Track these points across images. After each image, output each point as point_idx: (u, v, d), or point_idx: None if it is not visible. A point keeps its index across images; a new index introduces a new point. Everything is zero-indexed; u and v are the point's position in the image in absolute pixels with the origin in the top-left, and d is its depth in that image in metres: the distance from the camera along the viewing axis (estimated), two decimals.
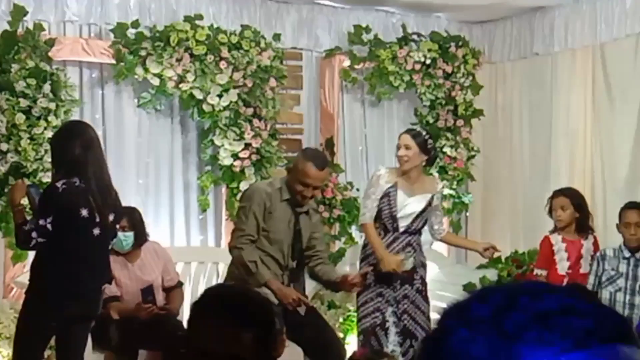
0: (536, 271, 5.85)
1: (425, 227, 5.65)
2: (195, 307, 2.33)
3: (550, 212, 5.74)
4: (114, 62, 6.32)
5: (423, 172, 5.63)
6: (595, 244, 5.75)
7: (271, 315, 2.21)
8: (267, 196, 4.93)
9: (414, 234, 5.53)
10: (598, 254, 5.61)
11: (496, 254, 5.82)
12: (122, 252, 5.45)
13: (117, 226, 4.90)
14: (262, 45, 6.69)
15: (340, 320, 6.40)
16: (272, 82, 6.73)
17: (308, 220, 5.07)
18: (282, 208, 4.95)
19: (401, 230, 5.49)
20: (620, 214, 5.59)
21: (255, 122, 6.61)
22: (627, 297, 5.46)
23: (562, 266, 5.70)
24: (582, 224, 5.71)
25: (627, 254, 5.49)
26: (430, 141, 5.52)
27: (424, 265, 5.64)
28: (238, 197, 6.06)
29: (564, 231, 5.72)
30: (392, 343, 5.43)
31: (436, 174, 7.20)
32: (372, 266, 5.48)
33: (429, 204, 5.53)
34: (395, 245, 5.48)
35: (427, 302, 5.63)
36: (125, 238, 5.34)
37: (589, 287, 5.56)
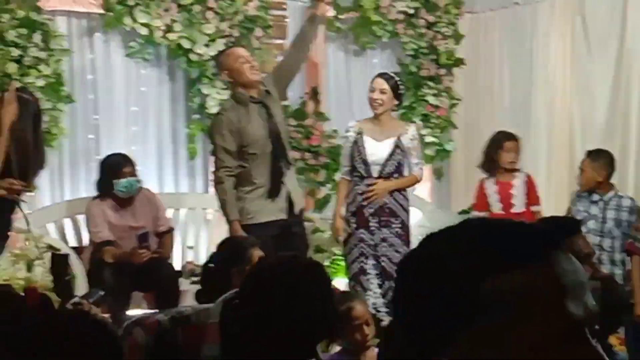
0: None
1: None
2: None
3: None
4: (102, 11, 6.39)
5: (393, 117, 5.76)
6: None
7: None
8: (229, 117, 5.14)
9: (387, 177, 5.64)
10: (575, 194, 5.83)
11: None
12: (124, 197, 5.61)
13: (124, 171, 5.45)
14: None
15: (326, 263, 6.58)
16: (258, 32, 6.83)
17: (271, 97, 5.31)
18: (252, 110, 5.18)
19: (375, 175, 5.64)
20: None
21: None
22: (598, 239, 5.62)
23: None
24: None
25: (596, 197, 5.69)
26: (402, 87, 5.66)
27: (405, 209, 5.72)
28: None
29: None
30: (373, 285, 5.59)
31: (419, 122, 7.37)
32: (352, 213, 5.65)
33: (397, 146, 5.65)
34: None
35: (408, 246, 5.64)
36: (137, 182, 5.68)
37: None
